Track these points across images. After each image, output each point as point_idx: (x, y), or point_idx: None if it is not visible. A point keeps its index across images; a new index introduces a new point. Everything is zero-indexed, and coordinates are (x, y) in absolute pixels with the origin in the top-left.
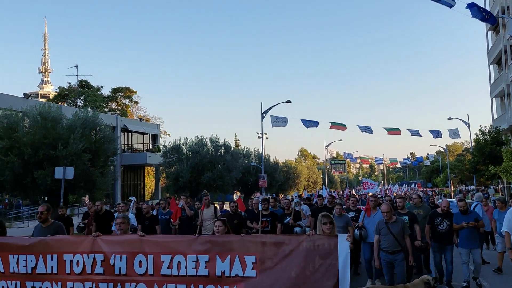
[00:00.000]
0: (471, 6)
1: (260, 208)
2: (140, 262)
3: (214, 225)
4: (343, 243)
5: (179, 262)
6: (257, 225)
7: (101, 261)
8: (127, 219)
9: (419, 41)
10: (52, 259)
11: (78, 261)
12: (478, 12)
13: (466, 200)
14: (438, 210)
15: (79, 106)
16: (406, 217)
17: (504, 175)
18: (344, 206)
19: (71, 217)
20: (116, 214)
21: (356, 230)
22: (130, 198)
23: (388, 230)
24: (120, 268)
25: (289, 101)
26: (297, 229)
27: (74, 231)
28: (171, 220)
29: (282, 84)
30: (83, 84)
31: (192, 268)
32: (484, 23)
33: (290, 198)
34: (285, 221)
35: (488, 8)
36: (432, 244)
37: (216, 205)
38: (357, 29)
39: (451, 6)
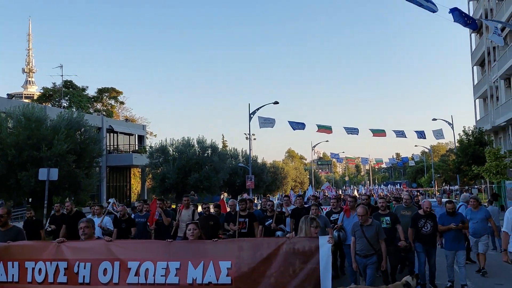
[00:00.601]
0: (453, 10)
1: (237, 209)
2: (105, 269)
3: (187, 229)
4: (325, 246)
5: (147, 269)
6: (234, 227)
7: (64, 269)
8: (92, 223)
9: (404, 42)
10: (13, 267)
11: (40, 269)
12: (460, 17)
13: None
14: (420, 211)
15: (63, 107)
16: (388, 218)
17: (487, 175)
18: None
19: (41, 220)
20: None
21: (335, 231)
22: (109, 200)
23: (362, 233)
24: (84, 276)
25: (276, 102)
26: (279, 233)
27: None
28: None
29: (270, 85)
30: (68, 84)
31: (161, 275)
32: None
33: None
34: (266, 224)
35: (471, 11)
36: (416, 245)
37: (199, 206)
38: (343, 30)
39: (434, 11)
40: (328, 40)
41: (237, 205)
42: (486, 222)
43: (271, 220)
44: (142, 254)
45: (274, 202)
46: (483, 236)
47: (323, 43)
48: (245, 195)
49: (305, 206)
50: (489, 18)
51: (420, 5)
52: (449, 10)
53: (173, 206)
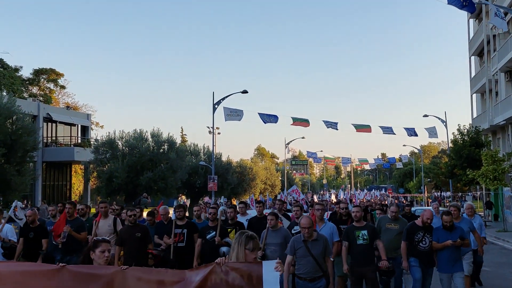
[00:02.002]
0: None
1: (173, 217)
2: None
3: (97, 248)
4: (271, 274)
5: None
6: (168, 240)
7: None
8: None
9: (392, 28)
10: None
11: None
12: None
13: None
14: (418, 222)
15: None
16: (365, 232)
17: (482, 180)
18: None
19: None
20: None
21: None
22: (14, 204)
23: (307, 251)
24: None
25: (245, 91)
26: (224, 249)
27: None
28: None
29: (238, 70)
30: None
31: None
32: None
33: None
34: (208, 237)
35: None
36: (411, 260)
37: (144, 212)
38: (325, 14)
39: None
40: (306, 22)
41: (174, 212)
42: (469, 235)
43: (214, 233)
44: (20, 283)
45: (219, 209)
46: (466, 253)
47: (300, 24)
48: (206, 199)
49: (287, 212)
50: (488, 1)
51: None
52: None
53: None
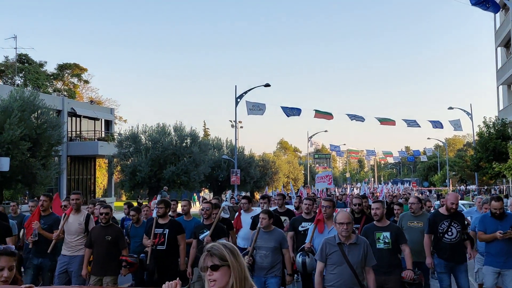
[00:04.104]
0: None
1: (154, 215)
2: None
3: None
4: None
5: None
6: (147, 241)
7: None
8: None
9: (417, 20)
10: None
11: None
12: None
13: (463, 203)
14: (442, 210)
15: (17, 85)
16: (387, 234)
17: (509, 173)
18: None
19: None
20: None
21: (298, 255)
22: None
23: (342, 257)
24: None
25: (267, 85)
26: None
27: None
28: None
29: (260, 65)
30: (23, 58)
31: None
32: None
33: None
34: (200, 237)
35: None
36: (436, 263)
37: (101, 208)
38: (347, 6)
39: None
40: (330, 16)
41: (155, 209)
42: None
43: (208, 232)
44: None
45: (222, 204)
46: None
47: (324, 19)
48: (228, 193)
49: (289, 209)
50: None
51: None
52: None
53: (145, 203)
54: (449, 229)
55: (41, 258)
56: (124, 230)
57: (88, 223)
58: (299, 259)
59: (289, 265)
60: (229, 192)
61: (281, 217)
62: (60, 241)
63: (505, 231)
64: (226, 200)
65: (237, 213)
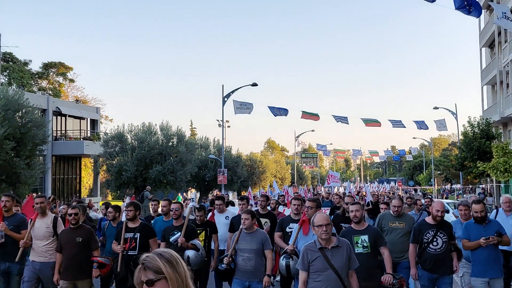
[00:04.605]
0: None
1: (123, 218)
2: None
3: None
4: None
5: None
6: (116, 246)
7: None
8: None
9: (402, 20)
10: None
11: None
12: (462, 3)
13: (448, 202)
14: (428, 219)
15: (1, 84)
16: (366, 237)
17: (493, 173)
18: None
19: None
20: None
21: (282, 258)
22: None
23: (326, 263)
24: None
25: (255, 84)
26: (189, 253)
27: None
28: None
29: (247, 64)
30: (7, 57)
31: None
32: None
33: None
34: (171, 239)
35: None
36: (420, 275)
37: (69, 209)
38: (333, 7)
39: (432, 1)
40: (316, 16)
41: (124, 211)
42: None
43: (179, 233)
44: None
45: (189, 205)
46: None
47: (311, 20)
48: (193, 193)
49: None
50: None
51: None
52: None
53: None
54: (435, 239)
55: (8, 263)
56: (101, 230)
57: (56, 226)
58: (282, 261)
59: (270, 266)
60: (193, 192)
61: (262, 219)
62: (29, 247)
63: (488, 237)
64: (193, 201)
65: (210, 214)
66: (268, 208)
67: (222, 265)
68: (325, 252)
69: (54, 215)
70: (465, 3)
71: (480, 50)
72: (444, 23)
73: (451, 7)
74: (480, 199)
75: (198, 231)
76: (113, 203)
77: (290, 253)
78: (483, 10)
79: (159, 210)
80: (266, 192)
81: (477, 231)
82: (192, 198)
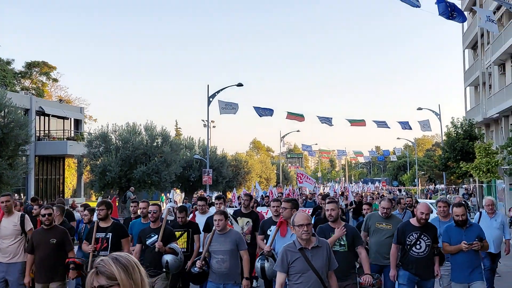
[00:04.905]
0: (440, 1)
1: (95, 218)
2: None
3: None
4: None
5: None
6: (87, 247)
7: None
8: None
9: (386, 22)
10: None
11: None
12: (445, 9)
13: (432, 202)
14: (413, 220)
15: None
16: (343, 235)
17: (476, 173)
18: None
19: None
20: None
21: (257, 260)
22: None
23: (307, 264)
24: None
25: (240, 84)
26: (167, 257)
27: None
28: None
29: (233, 64)
30: None
31: None
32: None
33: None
34: (148, 242)
35: None
36: (400, 274)
37: (42, 210)
38: (318, 7)
39: (417, 7)
40: (301, 16)
41: (96, 210)
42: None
43: (156, 236)
44: None
45: (167, 206)
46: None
47: (296, 19)
48: (171, 192)
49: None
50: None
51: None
52: (436, 1)
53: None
54: (418, 242)
55: None
56: (78, 234)
57: (24, 223)
58: (257, 263)
59: (247, 268)
60: (172, 192)
61: (244, 218)
62: None
63: (471, 242)
64: (171, 201)
65: (191, 215)
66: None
67: (195, 268)
68: (306, 253)
69: (21, 213)
70: (449, 9)
71: (464, 51)
72: (428, 25)
73: (435, 12)
74: (461, 202)
75: (180, 233)
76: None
77: (266, 255)
78: (466, 12)
79: (139, 211)
80: (250, 193)
81: (458, 234)
82: (170, 199)
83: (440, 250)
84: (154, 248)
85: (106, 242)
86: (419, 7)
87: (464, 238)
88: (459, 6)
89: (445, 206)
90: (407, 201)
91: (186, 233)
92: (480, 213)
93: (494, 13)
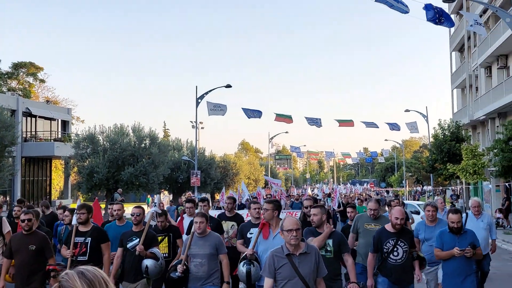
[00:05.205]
0: (428, 8)
1: (74, 222)
2: None
3: None
4: None
5: None
6: (66, 251)
7: None
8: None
9: (374, 23)
10: None
11: None
12: (433, 14)
13: (419, 204)
14: (388, 226)
15: None
16: (330, 241)
17: (462, 174)
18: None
19: None
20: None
21: (242, 264)
22: None
23: (293, 270)
24: None
25: (229, 86)
26: (147, 262)
27: None
28: None
29: (221, 65)
30: None
31: None
32: (447, 4)
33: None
34: (129, 245)
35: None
36: (380, 281)
37: (22, 215)
38: (305, 7)
39: (405, 12)
40: (290, 16)
41: (75, 214)
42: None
43: (137, 240)
44: None
45: (151, 210)
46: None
47: (284, 18)
48: (157, 197)
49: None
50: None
51: (391, 5)
52: (423, 7)
53: (102, 206)
54: (395, 249)
55: None
56: (57, 236)
57: (1, 225)
58: (242, 268)
59: (227, 272)
60: (157, 196)
61: (229, 222)
62: None
63: (463, 249)
64: (155, 205)
65: (179, 218)
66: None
67: (176, 273)
68: (293, 259)
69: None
70: (437, 15)
71: (451, 54)
72: (416, 27)
73: (424, 18)
74: (458, 209)
75: (160, 237)
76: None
77: (250, 259)
78: (453, 15)
79: (114, 213)
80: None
81: (451, 241)
82: (155, 203)
83: (418, 254)
84: (134, 252)
85: (85, 247)
86: (408, 12)
87: (457, 245)
88: (446, 10)
89: (434, 211)
90: (395, 202)
91: (166, 237)
92: (467, 214)
93: (481, 16)
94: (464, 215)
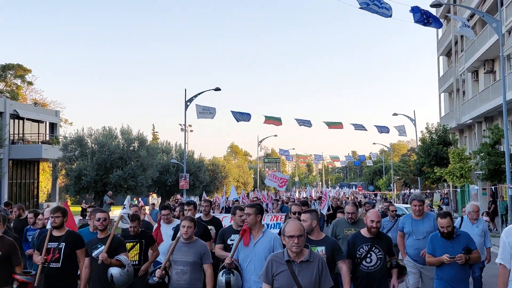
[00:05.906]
0: (415, 11)
1: (48, 226)
2: None
3: None
4: None
5: None
6: (37, 257)
7: None
8: None
9: (363, 26)
10: None
11: None
12: (420, 16)
13: (407, 207)
14: (363, 231)
15: None
16: (323, 248)
17: (449, 178)
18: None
19: None
20: None
21: (221, 274)
22: None
23: (292, 278)
24: None
25: (218, 89)
26: (113, 270)
27: None
28: None
29: (210, 68)
30: None
31: None
32: (435, 8)
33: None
34: (94, 254)
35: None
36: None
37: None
38: (295, 11)
39: (388, 16)
40: (279, 18)
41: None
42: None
43: (103, 247)
44: None
45: (121, 211)
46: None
47: (273, 20)
48: (127, 198)
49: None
50: (457, 2)
51: (375, 11)
52: (410, 9)
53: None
54: (368, 255)
55: None
56: (29, 242)
57: None
58: (222, 278)
59: (211, 283)
60: (127, 198)
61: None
62: None
63: (453, 256)
64: (125, 207)
65: (156, 225)
66: (212, 213)
67: (154, 278)
68: (293, 266)
69: None
70: (424, 16)
71: (438, 58)
72: (404, 31)
73: (410, 20)
74: (447, 212)
75: (131, 244)
76: (72, 208)
77: (229, 267)
78: (440, 19)
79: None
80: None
81: (443, 246)
82: (124, 205)
83: (398, 262)
84: (103, 262)
85: (58, 253)
86: (391, 16)
87: (450, 250)
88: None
89: (420, 205)
90: (385, 205)
91: (138, 244)
92: (462, 218)
93: (468, 21)
94: (459, 219)
